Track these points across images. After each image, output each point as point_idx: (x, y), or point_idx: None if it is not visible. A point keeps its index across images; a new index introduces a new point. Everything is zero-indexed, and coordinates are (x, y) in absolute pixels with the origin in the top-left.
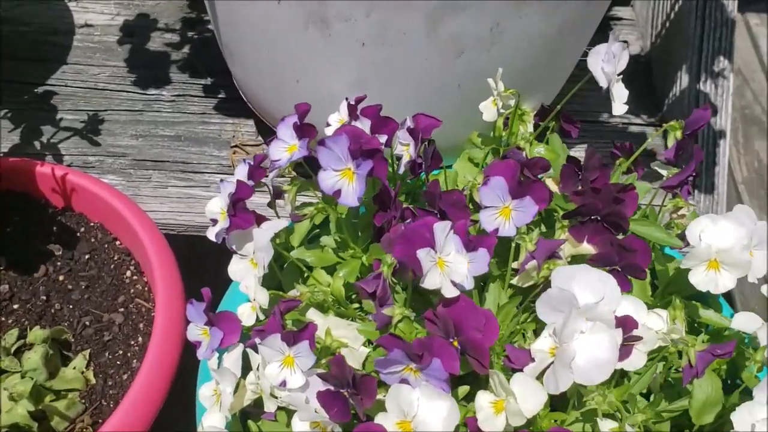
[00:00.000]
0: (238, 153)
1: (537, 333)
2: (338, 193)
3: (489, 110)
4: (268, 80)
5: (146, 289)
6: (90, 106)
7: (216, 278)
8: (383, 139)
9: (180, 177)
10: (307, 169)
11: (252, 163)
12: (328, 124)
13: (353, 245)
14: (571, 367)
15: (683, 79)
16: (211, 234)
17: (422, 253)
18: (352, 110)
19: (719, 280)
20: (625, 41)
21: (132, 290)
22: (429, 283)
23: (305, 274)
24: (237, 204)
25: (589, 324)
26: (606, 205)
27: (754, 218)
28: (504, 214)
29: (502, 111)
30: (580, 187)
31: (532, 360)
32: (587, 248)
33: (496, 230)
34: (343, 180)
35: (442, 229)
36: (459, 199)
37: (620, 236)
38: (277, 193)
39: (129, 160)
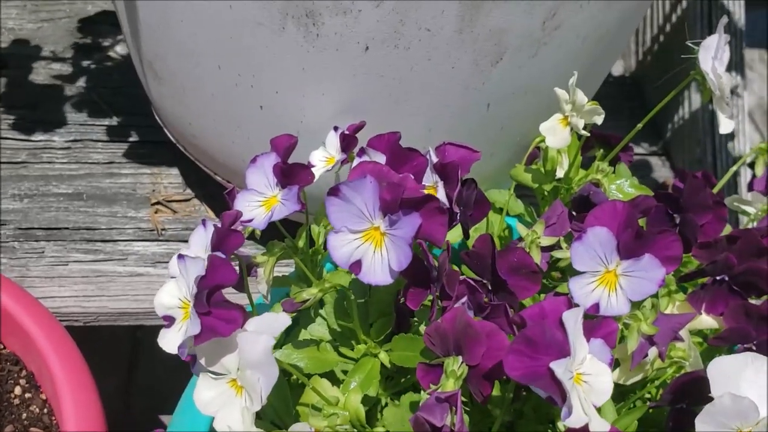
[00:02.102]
0: (162, 212)
1: None
2: (358, 265)
3: (558, 133)
4: (215, 108)
5: (45, 411)
6: None
7: (152, 390)
8: None
9: (84, 248)
10: (278, 226)
11: (220, 224)
12: (310, 165)
13: (364, 337)
14: None
15: (691, 100)
16: (167, 342)
17: (560, 369)
18: (347, 142)
19: None
20: None
21: (24, 414)
22: (575, 420)
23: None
24: (213, 295)
25: None
26: (744, 259)
27: None
28: (606, 281)
29: (582, 133)
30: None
31: None
32: (707, 321)
33: (596, 306)
34: (366, 246)
35: (575, 320)
36: (523, 261)
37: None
38: (249, 267)
39: (11, 229)
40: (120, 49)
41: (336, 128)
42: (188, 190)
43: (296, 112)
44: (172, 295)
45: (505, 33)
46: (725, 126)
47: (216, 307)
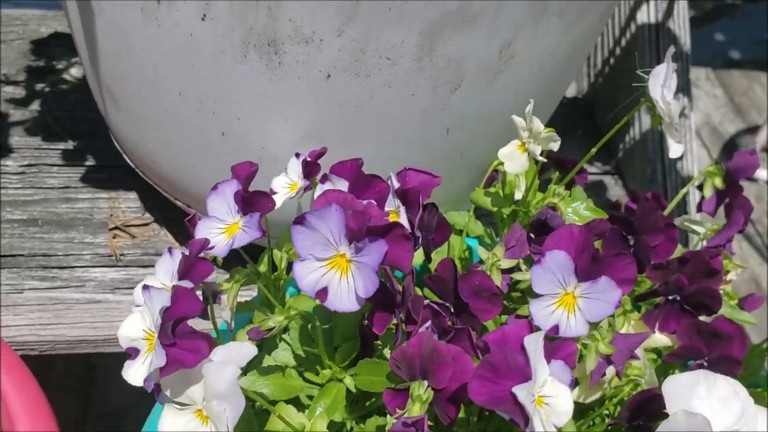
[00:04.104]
0: (120, 237)
1: None
2: (324, 293)
3: (516, 159)
4: (175, 134)
5: None
6: None
7: (108, 416)
8: None
9: (40, 275)
10: (240, 251)
11: (187, 252)
12: (272, 192)
13: (329, 362)
14: None
15: (641, 121)
16: (132, 374)
17: (522, 393)
18: (309, 169)
19: None
20: None
21: None
22: None
23: (260, 409)
24: (178, 326)
25: None
26: (695, 280)
27: None
28: (565, 303)
29: (539, 159)
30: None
31: None
32: (661, 339)
33: (556, 328)
34: (332, 273)
35: (535, 345)
36: (484, 284)
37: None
38: (213, 294)
39: None
40: (75, 72)
41: (298, 155)
42: (147, 215)
43: (258, 139)
44: (137, 327)
45: (463, 62)
46: (675, 150)
47: (181, 338)
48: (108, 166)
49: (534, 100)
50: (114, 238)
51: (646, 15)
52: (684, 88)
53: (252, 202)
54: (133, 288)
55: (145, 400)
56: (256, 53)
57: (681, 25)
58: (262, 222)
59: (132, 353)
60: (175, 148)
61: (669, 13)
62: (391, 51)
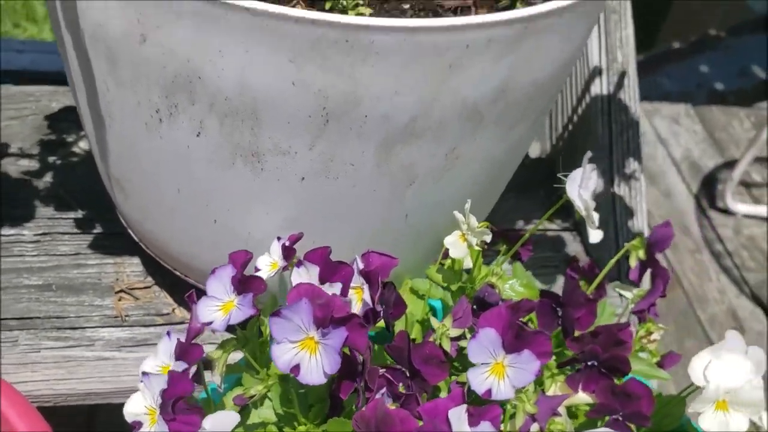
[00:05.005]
0: (125, 299)
1: None
2: (297, 369)
3: (458, 246)
4: (175, 220)
5: None
6: None
7: None
8: (336, 288)
9: (55, 336)
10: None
11: (184, 336)
12: (257, 269)
13: (304, 420)
14: None
15: None
16: None
17: None
18: (287, 252)
19: (731, 423)
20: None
21: None
22: None
23: None
24: (176, 404)
25: None
26: (607, 349)
27: (744, 344)
28: (496, 371)
29: (476, 248)
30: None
31: None
32: (583, 398)
33: (488, 392)
34: (303, 353)
35: (458, 416)
36: (433, 353)
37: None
38: (205, 362)
39: None
40: (83, 145)
41: (279, 238)
42: (149, 278)
43: (245, 226)
44: (140, 404)
45: (415, 165)
46: (594, 237)
47: (179, 413)
48: (114, 234)
49: (479, 190)
50: (120, 300)
51: (599, 87)
52: (635, 152)
53: (247, 284)
54: (137, 346)
55: None
56: (242, 162)
57: (631, 96)
58: (254, 300)
59: (136, 426)
60: (173, 231)
61: (619, 86)
62: (354, 159)
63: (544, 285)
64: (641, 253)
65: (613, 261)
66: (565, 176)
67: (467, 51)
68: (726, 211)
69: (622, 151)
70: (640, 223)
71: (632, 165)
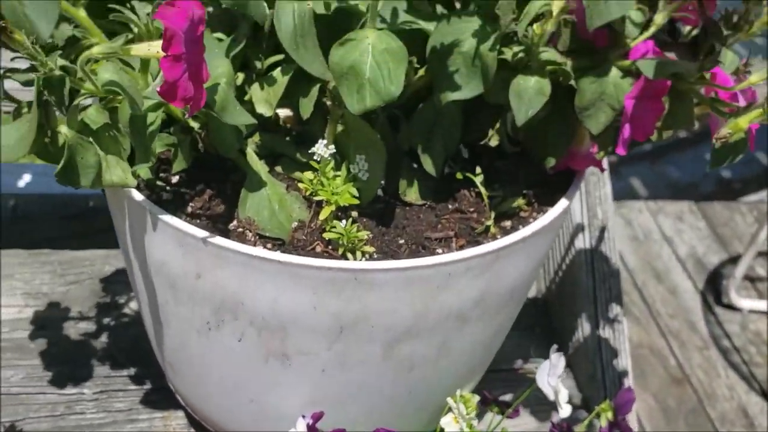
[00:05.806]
0: None
1: None
2: None
3: (452, 426)
4: (217, 397)
5: None
6: (5, 416)
7: None
8: None
9: None
10: None
11: None
12: None
13: None
14: None
15: (583, 326)
16: None
17: None
18: (311, 430)
19: None
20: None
21: None
22: None
23: None
24: None
25: None
26: None
27: None
28: None
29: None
30: None
31: None
32: None
33: None
34: None
35: None
36: None
37: None
38: None
39: None
40: (134, 305)
41: (303, 416)
42: (192, 429)
43: (276, 405)
44: None
45: (413, 356)
46: (563, 412)
47: None
48: (162, 389)
49: (468, 369)
50: None
51: (582, 242)
52: (617, 297)
53: None
54: None
55: None
56: (274, 360)
57: (611, 247)
58: None
59: None
60: (215, 405)
61: (600, 239)
62: (365, 355)
63: (540, 422)
64: (610, 415)
65: (586, 421)
66: (536, 366)
67: (450, 277)
68: (732, 307)
69: (605, 298)
70: (624, 362)
71: (615, 309)
